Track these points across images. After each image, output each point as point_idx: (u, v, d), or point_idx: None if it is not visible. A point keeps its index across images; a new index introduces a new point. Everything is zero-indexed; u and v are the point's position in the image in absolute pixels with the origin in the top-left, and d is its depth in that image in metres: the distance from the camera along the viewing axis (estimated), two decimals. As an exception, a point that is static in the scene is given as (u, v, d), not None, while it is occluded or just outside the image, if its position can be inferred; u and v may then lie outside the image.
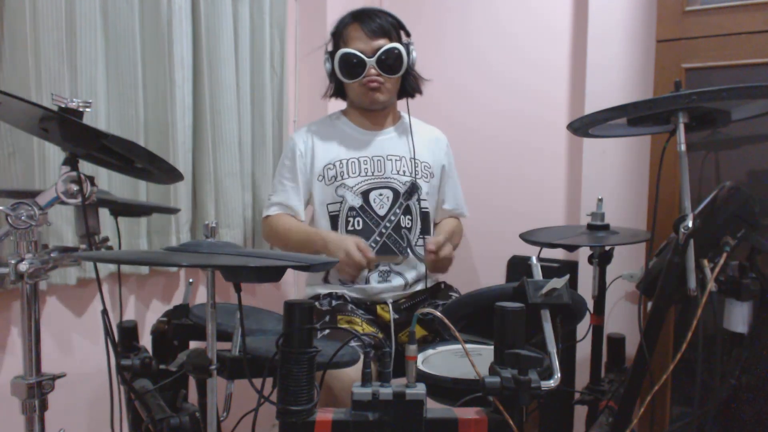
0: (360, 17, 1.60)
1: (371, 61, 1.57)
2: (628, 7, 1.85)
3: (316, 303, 1.62)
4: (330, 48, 1.65)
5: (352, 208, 1.62)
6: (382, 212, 1.63)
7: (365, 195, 1.63)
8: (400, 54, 1.59)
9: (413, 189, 1.66)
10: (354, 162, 1.64)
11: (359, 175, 1.63)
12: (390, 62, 1.58)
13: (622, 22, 1.86)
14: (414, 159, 1.67)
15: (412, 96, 1.73)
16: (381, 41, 1.58)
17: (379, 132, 1.71)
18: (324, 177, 1.64)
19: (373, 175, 1.64)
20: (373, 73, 1.58)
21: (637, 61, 1.84)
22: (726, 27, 1.60)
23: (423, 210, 1.68)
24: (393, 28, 1.62)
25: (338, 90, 1.72)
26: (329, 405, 1.30)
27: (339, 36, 1.64)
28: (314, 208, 1.70)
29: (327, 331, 1.44)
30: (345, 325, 1.48)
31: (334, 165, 1.64)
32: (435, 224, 1.83)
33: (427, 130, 1.80)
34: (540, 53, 2.14)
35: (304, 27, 2.26)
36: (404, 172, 1.66)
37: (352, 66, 1.58)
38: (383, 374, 0.87)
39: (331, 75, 1.66)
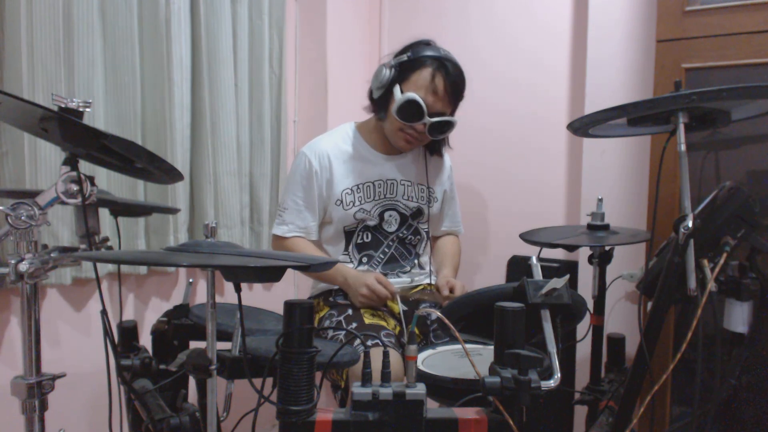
0: (448, 72, 1.55)
1: (428, 120, 1.55)
2: (628, 7, 1.85)
3: (329, 297, 1.66)
4: (402, 60, 1.56)
5: (366, 227, 1.67)
6: (390, 229, 1.69)
7: (381, 215, 1.68)
8: (451, 129, 1.62)
9: (418, 213, 1.72)
10: (369, 186, 1.66)
11: (373, 199, 1.66)
12: (440, 131, 1.60)
13: (622, 22, 1.86)
14: (422, 185, 1.73)
15: (432, 154, 1.75)
16: (447, 109, 1.58)
17: (394, 157, 1.71)
18: (342, 202, 1.64)
19: (385, 197, 1.68)
20: (419, 129, 1.57)
21: (637, 61, 1.84)
22: (726, 27, 1.60)
23: (427, 231, 1.77)
24: (459, 100, 1.62)
25: (382, 102, 1.63)
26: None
27: (418, 68, 1.55)
28: (331, 225, 1.69)
29: (354, 324, 1.49)
30: (370, 319, 1.52)
31: (352, 190, 1.65)
32: (434, 240, 1.87)
33: (436, 157, 1.79)
34: (540, 53, 2.14)
35: (303, 27, 2.26)
36: (412, 197, 1.71)
37: (410, 112, 1.55)
38: (384, 374, 0.87)
39: (385, 88, 1.58)
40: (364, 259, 1.67)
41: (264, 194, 2.06)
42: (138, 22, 1.63)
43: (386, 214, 1.69)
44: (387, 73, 1.56)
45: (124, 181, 1.62)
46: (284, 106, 2.14)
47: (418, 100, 1.53)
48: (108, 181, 1.59)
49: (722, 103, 1.21)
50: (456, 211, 1.88)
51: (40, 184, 1.37)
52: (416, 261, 1.73)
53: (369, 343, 1.30)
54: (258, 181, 2.05)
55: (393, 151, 1.70)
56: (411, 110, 1.54)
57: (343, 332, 1.48)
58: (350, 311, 1.55)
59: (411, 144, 1.62)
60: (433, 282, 1.74)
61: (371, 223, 1.66)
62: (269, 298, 2.19)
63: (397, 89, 1.55)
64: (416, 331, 1.62)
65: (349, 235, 1.68)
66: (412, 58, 1.56)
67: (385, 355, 0.88)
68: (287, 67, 2.15)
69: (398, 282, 1.69)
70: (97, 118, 1.54)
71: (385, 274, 1.66)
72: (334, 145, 1.68)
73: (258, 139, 2.04)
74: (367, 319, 1.51)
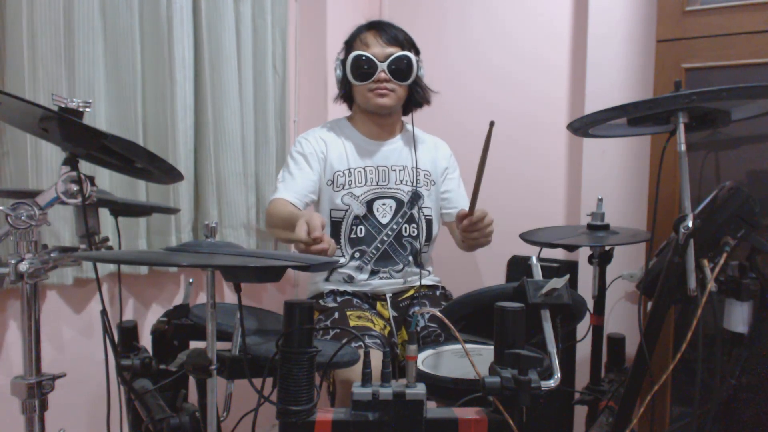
0: (377, 26, 1.65)
1: (382, 65, 1.60)
2: (628, 7, 1.85)
3: (320, 300, 1.64)
4: (342, 56, 1.68)
5: (356, 217, 1.65)
6: (384, 221, 1.67)
7: (369, 204, 1.66)
8: (410, 62, 1.62)
9: (415, 198, 1.70)
10: (360, 171, 1.67)
11: (365, 184, 1.67)
12: (400, 69, 1.62)
13: (622, 22, 1.86)
14: (415, 168, 1.71)
15: (420, 106, 1.75)
16: (394, 49, 1.62)
17: (385, 142, 1.73)
18: (333, 183, 1.66)
19: (377, 184, 1.67)
20: (382, 78, 1.61)
21: (637, 61, 1.84)
22: (726, 27, 1.60)
23: (426, 218, 1.73)
24: (406, 42, 1.65)
25: (346, 95, 1.73)
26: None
27: (353, 42, 1.67)
28: (318, 210, 1.71)
29: (335, 330, 1.46)
30: (356, 321, 1.50)
31: (344, 173, 1.66)
32: (451, 230, 1.80)
33: (428, 139, 1.81)
34: (540, 53, 2.15)
35: (303, 27, 2.26)
36: (406, 181, 1.70)
37: (363, 68, 1.61)
38: (385, 374, 0.87)
39: (342, 81, 1.68)
40: (357, 254, 1.66)
41: (270, 194, 2.05)
42: (139, 21, 1.63)
43: (377, 204, 1.67)
44: (338, 65, 1.68)
45: (126, 181, 1.62)
46: (287, 106, 2.15)
47: (361, 53, 1.60)
48: (109, 181, 1.59)
49: (722, 103, 1.21)
50: (465, 195, 1.81)
51: (42, 184, 1.37)
52: (411, 258, 1.70)
53: (353, 345, 1.30)
54: (263, 181, 2.04)
55: (383, 136, 1.73)
56: (361, 66, 1.61)
57: (330, 335, 1.47)
58: (336, 315, 1.53)
59: (387, 96, 1.63)
60: (426, 284, 1.72)
61: (359, 212, 1.65)
62: (270, 298, 2.19)
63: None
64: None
65: (336, 225, 1.66)
66: (347, 40, 1.69)
67: (385, 355, 0.87)
68: (288, 68, 2.15)
69: (390, 283, 1.67)
70: (98, 119, 1.54)
71: (377, 271, 1.66)
72: (328, 133, 1.72)
73: (263, 139, 2.04)
74: (353, 322, 1.50)
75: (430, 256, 1.80)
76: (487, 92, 2.25)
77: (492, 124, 1.29)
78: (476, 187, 1.37)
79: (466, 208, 1.73)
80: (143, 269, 1.70)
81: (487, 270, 2.27)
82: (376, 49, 1.61)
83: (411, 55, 1.63)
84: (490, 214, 1.46)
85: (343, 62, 1.65)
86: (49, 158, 1.40)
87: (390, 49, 1.61)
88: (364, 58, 1.60)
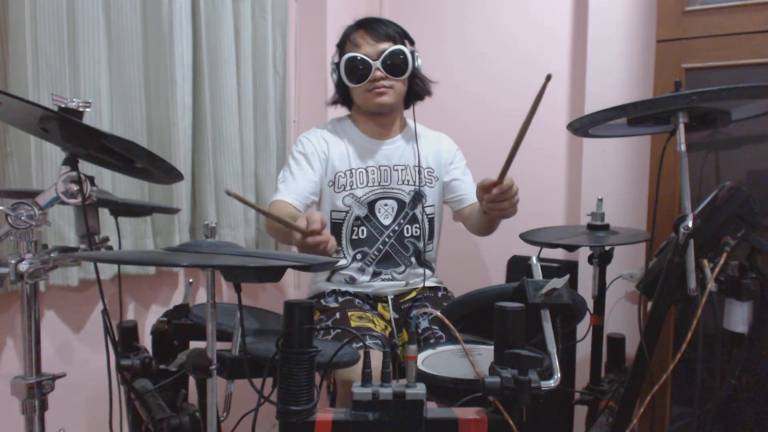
0: (365, 24, 1.62)
1: (376, 64, 1.57)
2: (628, 8, 1.85)
3: (322, 300, 1.64)
4: (336, 59, 1.65)
5: (358, 218, 1.64)
6: (386, 222, 1.66)
7: (371, 205, 1.65)
8: (405, 56, 1.59)
9: (418, 197, 1.68)
10: (362, 171, 1.66)
11: (367, 185, 1.65)
12: (395, 64, 1.59)
13: (622, 23, 1.86)
14: (418, 167, 1.69)
15: (422, 98, 1.72)
16: (386, 45, 1.58)
17: (386, 141, 1.71)
18: (335, 184, 1.64)
19: (379, 185, 1.66)
20: (378, 76, 1.58)
21: (637, 62, 1.84)
22: (726, 27, 1.60)
23: (429, 216, 1.71)
24: (398, 35, 1.62)
25: (344, 98, 1.72)
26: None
27: (344, 44, 1.64)
28: (320, 209, 1.70)
29: (337, 330, 1.46)
30: (357, 321, 1.49)
31: (345, 174, 1.65)
32: (466, 217, 1.74)
33: (431, 134, 1.79)
34: (540, 53, 2.14)
35: (303, 27, 2.26)
36: (408, 181, 1.68)
37: (358, 70, 1.58)
38: (385, 374, 0.87)
39: (339, 84, 1.67)
40: (359, 256, 1.65)
41: (270, 194, 2.05)
42: (141, 20, 1.63)
43: (379, 204, 1.65)
44: (333, 69, 1.65)
45: (129, 181, 1.62)
46: (288, 106, 2.14)
47: (353, 55, 1.58)
48: (113, 181, 1.59)
49: (722, 103, 1.21)
50: (472, 184, 1.75)
51: (46, 185, 1.37)
52: (413, 259, 1.69)
53: (354, 345, 1.30)
54: (263, 182, 2.04)
55: (384, 135, 1.71)
56: (356, 67, 1.58)
57: (331, 335, 1.47)
58: (338, 315, 1.53)
59: (386, 94, 1.60)
60: (429, 285, 1.71)
61: (360, 212, 1.63)
62: (269, 298, 2.19)
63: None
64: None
65: (336, 226, 1.65)
66: (339, 43, 1.66)
67: (386, 355, 0.87)
68: (288, 68, 2.15)
69: (392, 285, 1.67)
70: (102, 118, 1.54)
71: (379, 273, 1.65)
72: (330, 133, 1.70)
73: (263, 139, 2.04)
74: (354, 322, 1.49)
75: (434, 256, 1.79)
76: (487, 93, 2.25)
77: (548, 78, 1.05)
78: (513, 152, 1.24)
79: (474, 197, 1.66)
80: (150, 270, 1.69)
81: (487, 270, 2.27)
82: (368, 48, 1.58)
83: (404, 47, 1.59)
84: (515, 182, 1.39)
85: (338, 66, 1.63)
86: (52, 159, 1.40)
87: (382, 46, 1.58)
88: (357, 59, 1.57)
